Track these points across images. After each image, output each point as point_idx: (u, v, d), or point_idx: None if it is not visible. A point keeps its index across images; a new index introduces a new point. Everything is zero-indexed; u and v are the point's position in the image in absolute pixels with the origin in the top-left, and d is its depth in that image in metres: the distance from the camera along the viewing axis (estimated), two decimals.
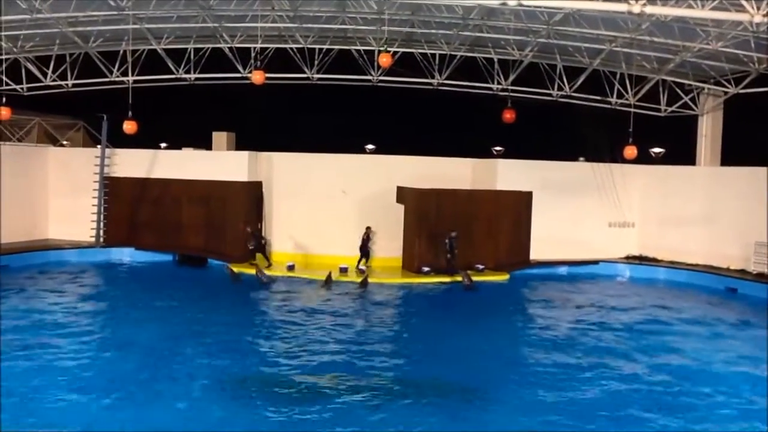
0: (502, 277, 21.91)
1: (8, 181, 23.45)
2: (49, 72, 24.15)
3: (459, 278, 20.93)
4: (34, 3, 18.50)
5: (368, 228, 22.86)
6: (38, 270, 21.01)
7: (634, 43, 20.58)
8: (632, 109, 23.12)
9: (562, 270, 23.67)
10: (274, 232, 24.47)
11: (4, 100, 22.06)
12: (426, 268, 21.74)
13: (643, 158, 24.68)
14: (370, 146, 30.23)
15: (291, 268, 21.95)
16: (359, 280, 20.75)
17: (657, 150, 27.63)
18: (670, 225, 24.00)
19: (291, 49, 24.15)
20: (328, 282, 20.63)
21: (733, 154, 24.75)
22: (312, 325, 15.70)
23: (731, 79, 22.79)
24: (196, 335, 14.45)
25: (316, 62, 24.54)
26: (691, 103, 24.67)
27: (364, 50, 24.16)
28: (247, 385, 11.27)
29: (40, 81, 24.41)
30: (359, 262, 22.45)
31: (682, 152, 25.66)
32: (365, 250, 22.72)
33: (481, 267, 22.08)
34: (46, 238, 24.91)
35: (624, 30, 19.65)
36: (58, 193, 25.14)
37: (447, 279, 21.26)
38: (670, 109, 24.96)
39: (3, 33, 20.74)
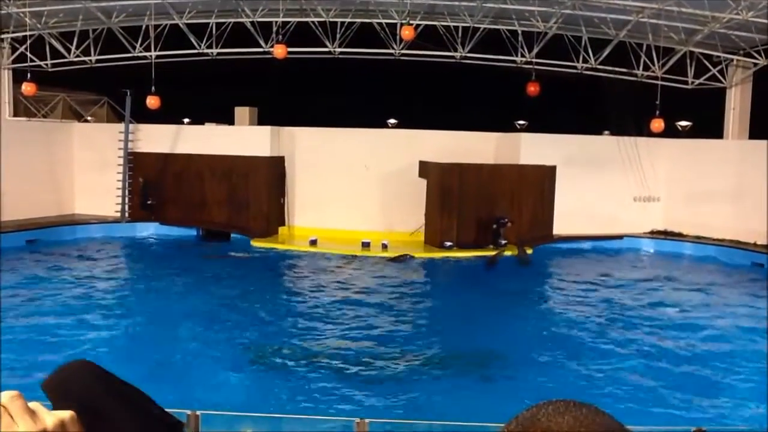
0: (514, 252, 21.80)
1: (35, 156, 23.75)
2: (73, 48, 24.26)
3: (492, 252, 21.10)
4: None
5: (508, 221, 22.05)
6: (67, 244, 21.36)
7: (661, 13, 20.18)
8: (659, 82, 22.74)
9: (586, 245, 23.50)
10: (297, 206, 24.56)
11: (29, 76, 22.22)
12: (448, 243, 21.72)
13: (670, 132, 24.31)
14: (392, 120, 30.03)
15: (313, 242, 22.04)
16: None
17: (684, 123, 27.17)
18: (697, 199, 23.68)
19: (313, 22, 24.00)
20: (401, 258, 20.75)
21: (762, 128, 24.20)
22: (341, 298, 15.84)
23: (761, 50, 22.30)
24: (227, 309, 14.67)
25: (338, 36, 24.38)
26: (719, 75, 24.20)
27: (386, 23, 23.95)
28: (277, 356, 11.45)
29: (64, 57, 24.54)
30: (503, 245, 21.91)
31: (710, 125, 25.22)
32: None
33: (503, 242, 22.01)
34: (73, 212, 25.22)
35: (651, 0, 19.27)
36: (84, 169, 25.39)
37: (471, 254, 21.26)
38: (697, 82, 24.50)
39: (27, 9, 20.83)
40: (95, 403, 0.79)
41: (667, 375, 10.85)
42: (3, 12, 21.11)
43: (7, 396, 0.73)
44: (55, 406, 0.79)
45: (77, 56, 24.51)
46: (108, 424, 0.79)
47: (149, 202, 24.08)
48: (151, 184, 24.02)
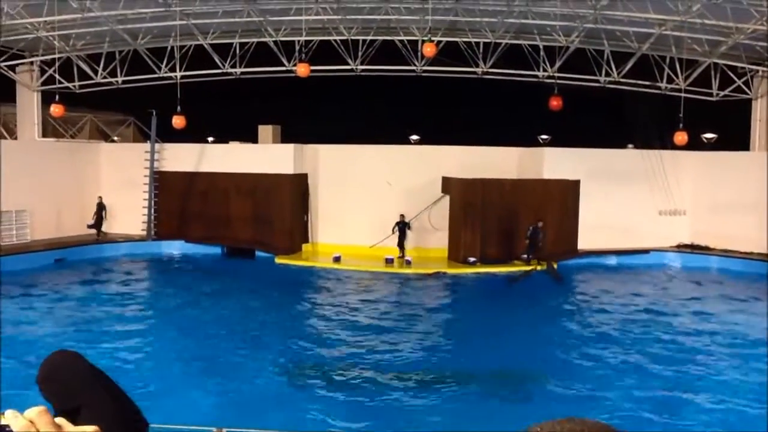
0: (543, 267, 21.62)
1: (63, 177, 24.13)
2: (100, 69, 24.69)
3: (523, 267, 21.14)
4: (85, 2, 18.92)
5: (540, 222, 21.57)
6: (94, 263, 21.63)
7: (684, 26, 20.07)
8: (683, 94, 22.51)
9: (612, 259, 23.29)
10: (320, 223, 24.65)
11: (57, 97, 22.63)
12: (472, 259, 21.65)
13: (695, 144, 24.06)
14: (414, 137, 30.14)
15: (337, 259, 22.08)
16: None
17: (709, 135, 26.91)
18: (723, 212, 23.35)
19: (335, 41, 24.21)
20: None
21: None
22: (369, 315, 15.84)
23: None
24: (253, 325, 14.75)
25: (359, 53, 24.56)
26: (744, 87, 23.93)
27: (407, 40, 24.08)
28: (308, 372, 11.49)
29: (92, 78, 24.99)
30: (529, 260, 21.54)
31: (736, 137, 24.95)
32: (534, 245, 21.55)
33: (525, 256, 21.88)
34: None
35: (674, 13, 19.17)
36: (110, 188, 25.68)
37: (498, 269, 21.19)
38: (722, 93, 24.26)
39: (56, 33, 21.27)
40: (82, 394, 0.83)
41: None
42: (32, 36, 21.59)
43: (34, 411, 0.76)
44: (49, 400, 0.83)
45: (104, 77, 24.94)
46: (92, 414, 0.83)
47: (91, 223, 24.03)
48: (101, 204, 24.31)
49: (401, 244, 22.63)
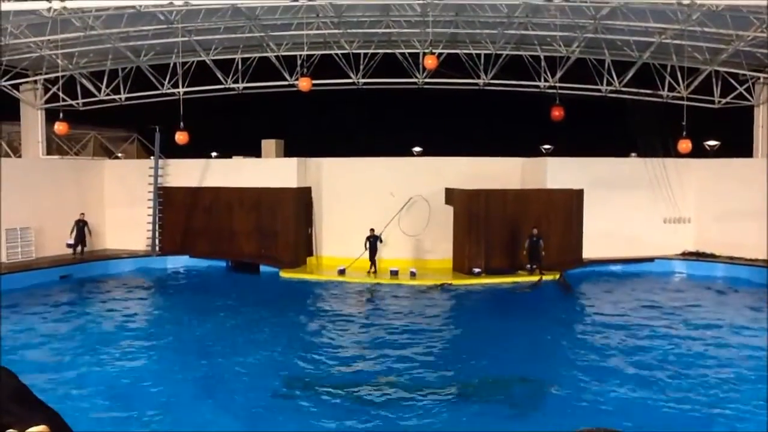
0: (555, 277, 21.61)
1: (67, 194, 24.20)
2: (103, 87, 24.84)
3: (531, 277, 21.07)
4: (87, 20, 19.04)
5: (535, 229, 21.44)
6: (99, 279, 21.65)
7: (684, 34, 20.11)
8: (685, 102, 22.52)
9: (617, 268, 23.23)
10: (324, 236, 24.65)
11: (61, 115, 22.74)
12: (477, 270, 21.61)
13: (698, 152, 24.03)
14: (417, 148, 30.20)
15: (342, 272, 22.06)
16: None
17: (712, 143, 26.90)
18: (728, 219, 23.30)
19: (336, 54, 24.32)
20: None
21: None
22: (377, 328, 15.82)
23: None
24: (261, 339, 14.72)
25: (361, 67, 24.66)
26: (746, 94, 23.93)
27: (408, 53, 24.19)
28: (317, 387, 11.44)
29: (95, 96, 25.12)
30: (532, 270, 21.35)
31: (739, 144, 24.93)
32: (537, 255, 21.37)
33: (528, 266, 21.81)
34: (105, 248, 25.56)
35: (674, 21, 19.21)
36: (115, 204, 25.77)
37: (504, 280, 21.13)
38: (724, 101, 24.26)
39: (59, 51, 21.41)
40: (15, 411, 0.83)
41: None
42: (36, 54, 21.73)
43: (36, 430, 0.77)
44: None
45: (107, 95, 25.08)
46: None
47: (71, 242, 23.26)
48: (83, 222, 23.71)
49: (372, 258, 22.42)
